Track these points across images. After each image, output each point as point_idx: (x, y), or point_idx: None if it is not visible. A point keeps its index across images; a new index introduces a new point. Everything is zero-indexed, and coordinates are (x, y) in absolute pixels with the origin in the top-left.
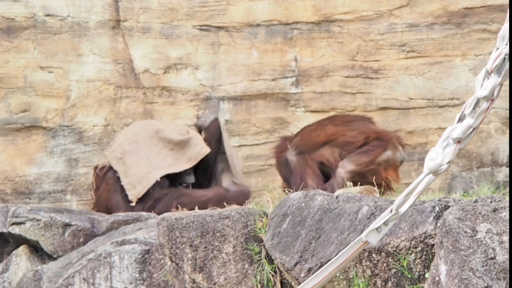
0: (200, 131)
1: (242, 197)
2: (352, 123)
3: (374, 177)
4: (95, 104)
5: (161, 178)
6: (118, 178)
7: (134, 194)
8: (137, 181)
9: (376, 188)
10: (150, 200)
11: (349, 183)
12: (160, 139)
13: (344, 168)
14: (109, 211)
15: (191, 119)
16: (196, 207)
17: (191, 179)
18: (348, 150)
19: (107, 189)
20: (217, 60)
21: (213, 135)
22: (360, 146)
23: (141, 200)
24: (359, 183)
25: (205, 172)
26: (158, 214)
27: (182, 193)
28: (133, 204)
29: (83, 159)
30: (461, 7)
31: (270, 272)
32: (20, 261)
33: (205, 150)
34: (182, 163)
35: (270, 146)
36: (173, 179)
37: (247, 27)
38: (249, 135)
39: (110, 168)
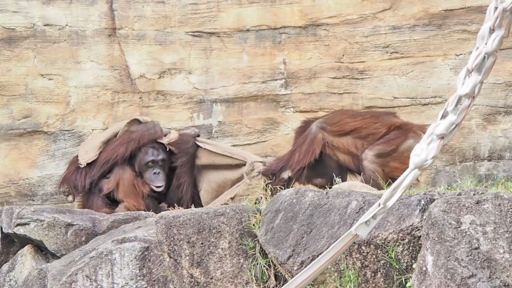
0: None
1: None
2: (379, 117)
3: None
4: (94, 109)
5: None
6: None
7: (84, 158)
8: (90, 148)
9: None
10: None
11: (338, 179)
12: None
13: (367, 158)
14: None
15: (186, 121)
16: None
17: (159, 182)
18: (370, 141)
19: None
20: (209, 64)
21: (183, 151)
22: (381, 137)
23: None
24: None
25: (177, 182)
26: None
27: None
28: (82, 166)
29: None
30: (441, 9)
31: (264, 266)
32: (25, 260)
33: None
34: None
35: (261, 146)
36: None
37: (237, 32)
38: (241, 136)
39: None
